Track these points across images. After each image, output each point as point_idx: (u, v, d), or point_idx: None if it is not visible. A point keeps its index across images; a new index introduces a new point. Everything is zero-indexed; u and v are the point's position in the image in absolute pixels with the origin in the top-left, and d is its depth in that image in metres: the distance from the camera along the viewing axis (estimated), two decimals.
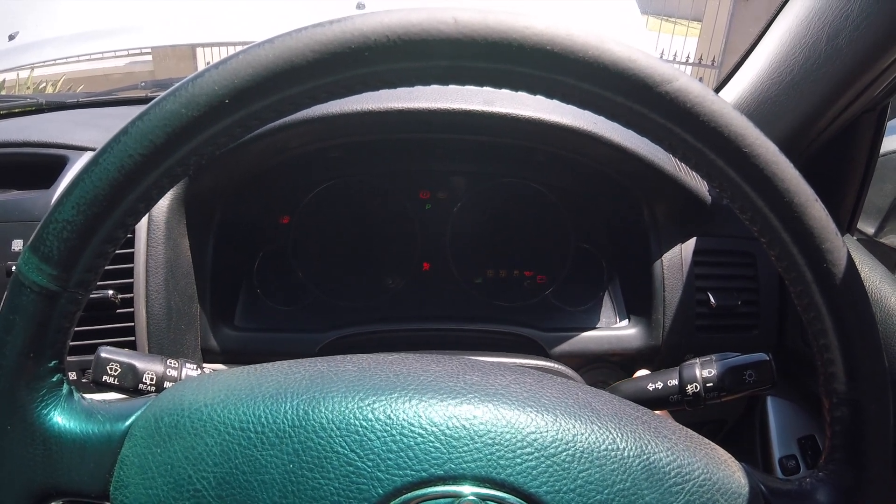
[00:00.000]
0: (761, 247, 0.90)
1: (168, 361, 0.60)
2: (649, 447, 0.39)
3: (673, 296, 0.89)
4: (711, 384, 0.61)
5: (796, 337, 0.90)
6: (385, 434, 0.36)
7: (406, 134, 0.89)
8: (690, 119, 0.37)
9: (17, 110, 1.15)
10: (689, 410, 0.62)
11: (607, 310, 0.99)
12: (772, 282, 0.91)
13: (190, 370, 0.61)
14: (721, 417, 0.98)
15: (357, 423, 0.37)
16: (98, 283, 0.77)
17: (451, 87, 0.88)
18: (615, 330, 0.94)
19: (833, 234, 0.40)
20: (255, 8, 1.83)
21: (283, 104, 0.37)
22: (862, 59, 0.70)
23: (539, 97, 0.39)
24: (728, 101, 0.40)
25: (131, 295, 0.80)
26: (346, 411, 0.37)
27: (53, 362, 0.40)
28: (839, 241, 0.40)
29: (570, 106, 0.38)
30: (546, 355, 0.91)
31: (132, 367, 0.57)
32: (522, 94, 0.39)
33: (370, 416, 0.37)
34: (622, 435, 0.39)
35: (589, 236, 1.01)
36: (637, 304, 0.95)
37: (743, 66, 0.90)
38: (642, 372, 0.68)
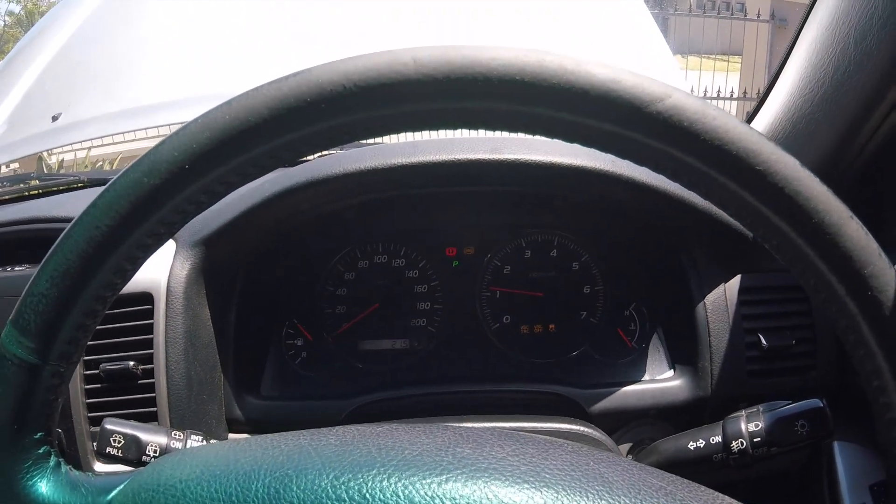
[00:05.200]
0: None
1: (173, 433, 0.59)
2: None
3: (720, 340, 0.83)
4: (759, 439, 0.55)
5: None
6: None
7: (418, 189, 0.87)
8: (690, 139, 0.33)
9: (61, 188, 1.19)
10: (737, 469, 0.56)
11: (650, 361, 0.93)
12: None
13: (194, 442, 0.59)
14: (782, 469, 0.90)
15: (328, 503, 0.33)
16: (119, 353, 0.78)
17: (457, 137, 0.86)
18: (659, 382, 0.88)
19: (876, 256, 0.34)
20: None
21: (245, 167, 0.36)
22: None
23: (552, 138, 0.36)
24: (747, 123, 0.36)
25: (152, 366, 0.79)
26: (319, 490, 0.33)
27: (39, 434, 0.41)
28: (884, 262, 0.35)
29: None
30: (585, 414, 0.85)
31: (136, 440, 0.59)
32: (533, 138, 0.36)
33: (343, 495, 0.33)
34: None
35: (625, 283, 0.96)
36: (682, 353, 0.89)
37: (774, 88, 0.86)
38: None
